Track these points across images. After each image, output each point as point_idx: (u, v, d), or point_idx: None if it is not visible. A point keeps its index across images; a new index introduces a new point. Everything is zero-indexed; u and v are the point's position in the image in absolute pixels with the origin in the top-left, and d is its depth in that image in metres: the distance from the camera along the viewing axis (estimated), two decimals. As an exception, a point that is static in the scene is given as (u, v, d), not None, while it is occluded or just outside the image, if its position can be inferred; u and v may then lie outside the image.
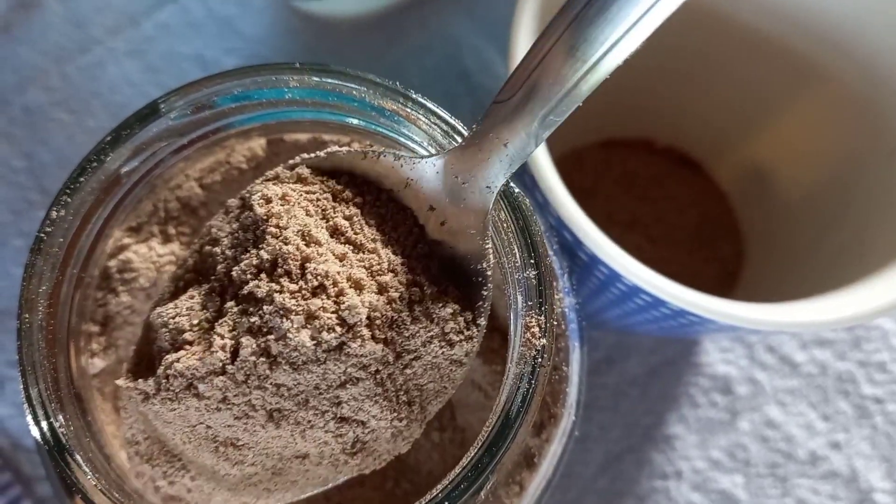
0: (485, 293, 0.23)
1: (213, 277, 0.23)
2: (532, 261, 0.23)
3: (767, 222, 0.47)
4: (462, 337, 0.23)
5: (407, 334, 0.22)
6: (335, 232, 0.23)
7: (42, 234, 0.24)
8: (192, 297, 0.23)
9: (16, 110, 0.52)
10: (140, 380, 0.23)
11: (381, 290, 0.22)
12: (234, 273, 0.22)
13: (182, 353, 0.22)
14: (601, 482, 0.48)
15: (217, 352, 0.21)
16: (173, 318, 0.23)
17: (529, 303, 0.23)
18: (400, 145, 0.26)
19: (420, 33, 0.54)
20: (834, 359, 0.50)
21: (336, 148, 0.26)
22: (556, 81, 0.20)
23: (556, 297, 0.28)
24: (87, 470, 0.23)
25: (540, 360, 0.23)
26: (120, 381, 0.24)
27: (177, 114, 0.25)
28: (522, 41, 0.33)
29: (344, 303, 0.21)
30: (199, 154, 0.28)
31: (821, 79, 0.43)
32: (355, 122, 0.26)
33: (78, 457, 0.23)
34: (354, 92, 0.25)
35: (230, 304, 0.22)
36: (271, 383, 0.21)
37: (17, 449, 0.47)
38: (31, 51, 0.54)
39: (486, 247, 0.23)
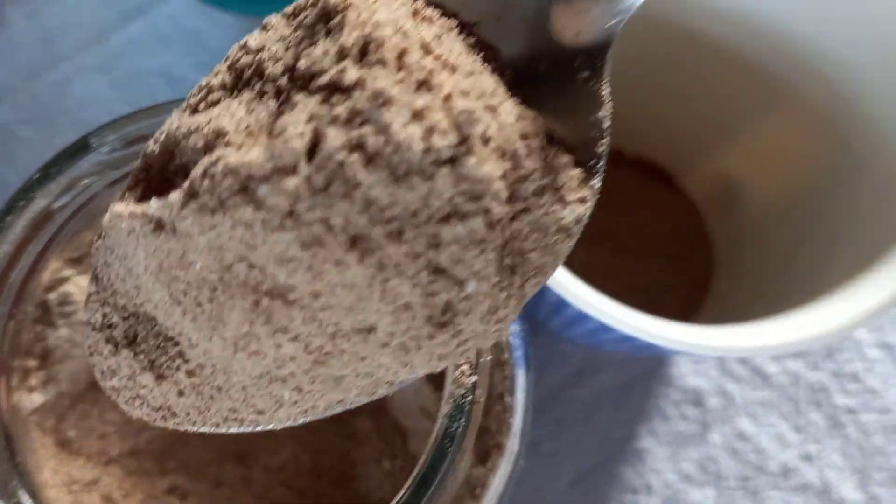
0: (599, 150, 0.19)
1: (260, 82, 0.17)
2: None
3: (738, 235, 0.47)
4: (575, 197, 0.18)
5: (522, 172, 0.17)
6: (423, 46, 0.17)
7: (-30, 273, 0.24)
8: (227, 108, 0.18)
9: (-17, 129, 0.52)
10: (154, 199, 0.17)
11: (490, 110, 0.17)
12: (300, 66, 0.17)
13: (227, 150, 0.16)
14: (572, 497, 0.47)
15: (291, 140, 0.15)
16: (207, 122, 0.17)
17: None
18: None
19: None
20: (806, 369, 0.49)
21: None
22: None
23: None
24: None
25: (470, 397, 0.22)
26: (121, 207, 0.18)
27: (108, 148, 0.25)
28: None
29: (457, 107, 0.16)
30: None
31: (790, 94, 0.42)
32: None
33: None
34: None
35: (299, 96, 0.16)
36: (361, 194, 0.16)
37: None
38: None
39: (604, 91, 0.18)
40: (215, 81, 0.19)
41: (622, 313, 0.31)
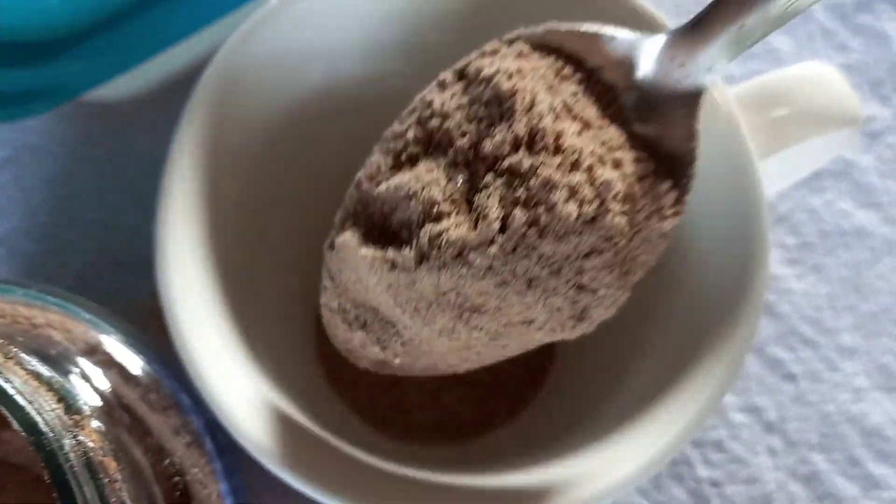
0: (690, 172, 0.25)
1: (451, 150, 0.24)
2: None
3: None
4: (672, 212, 0.24)
5: (637, 208, 0.24)
6: (565, 108, 0.24)
7: None
8: (430, 171, 0.24)
9: None
10: (390, 249, 0.24)
11: (616, 165, 0.24)
12: (485, 146, 0.24)
13: (444, 223, 0.23)
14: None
15: (493, 223, 0.23)
16: (421, 189, 0.23)
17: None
18: None
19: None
20: (665, 443, 0.47)
21: (555, 23, 0.27)
22: None
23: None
24: None
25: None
26: (365, 251, 0.24)
27: None
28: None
29: (598, 178, 0.23)
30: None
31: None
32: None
33: None
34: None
35: (489, 177, 0.23)
36: (537, 253, 0.23)
37: None
38: None
39: (695, 127, 0.24)
40: (410, 135, 0.25)
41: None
